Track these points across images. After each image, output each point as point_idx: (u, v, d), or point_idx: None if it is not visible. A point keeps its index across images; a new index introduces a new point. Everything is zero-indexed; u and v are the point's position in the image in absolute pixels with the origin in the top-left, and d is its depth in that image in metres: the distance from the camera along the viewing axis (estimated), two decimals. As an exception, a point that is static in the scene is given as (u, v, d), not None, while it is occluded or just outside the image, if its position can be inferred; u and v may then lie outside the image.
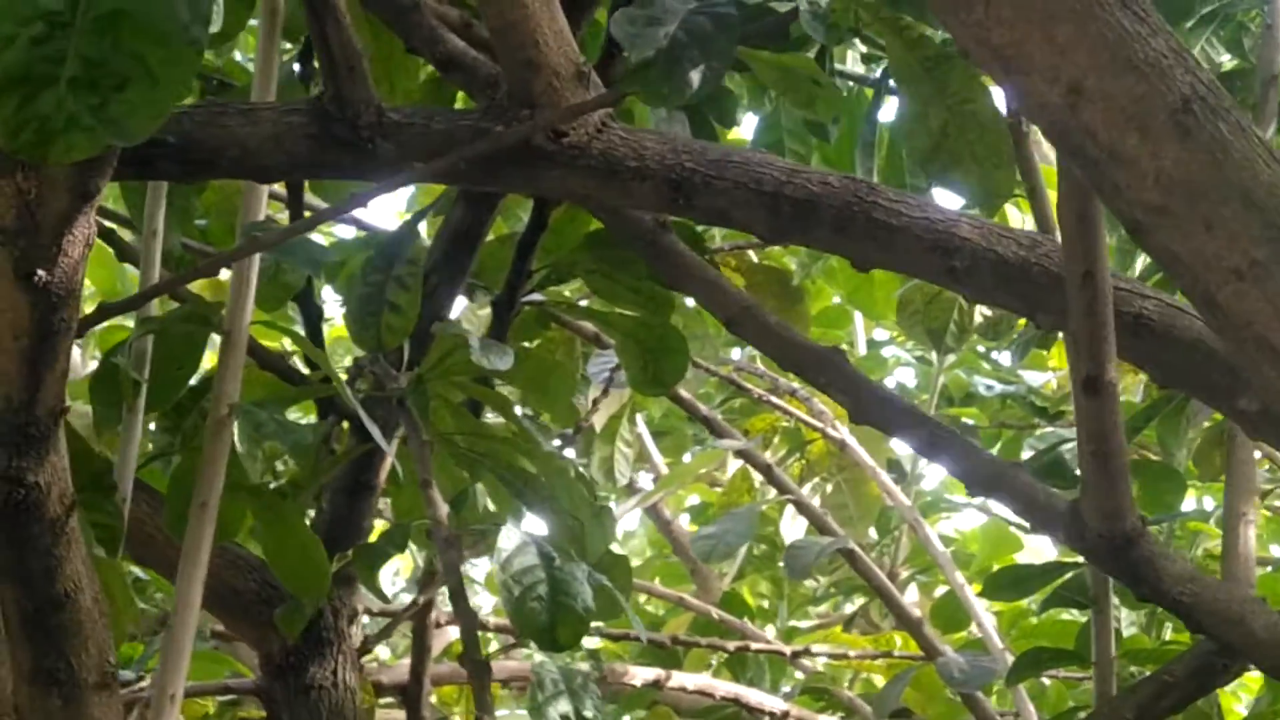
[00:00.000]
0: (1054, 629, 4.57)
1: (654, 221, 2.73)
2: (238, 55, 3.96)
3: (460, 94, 3.03)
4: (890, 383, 6.25)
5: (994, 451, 5.56)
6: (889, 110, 3.13)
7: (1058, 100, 1.69)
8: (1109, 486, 2.45)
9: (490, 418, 3.22)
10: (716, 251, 4.02)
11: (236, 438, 2.80)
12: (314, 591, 2.92)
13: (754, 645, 5.02)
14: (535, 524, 2.87)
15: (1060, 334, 3.10)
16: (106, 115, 1.70)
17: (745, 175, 2.47)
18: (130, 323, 3.02)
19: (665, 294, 3.00)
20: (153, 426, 2.99)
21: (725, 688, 4.86)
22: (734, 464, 5.51)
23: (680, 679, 4.85)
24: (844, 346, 6.06)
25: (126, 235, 3.56)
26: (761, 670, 5.06)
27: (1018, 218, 4.63)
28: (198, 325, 2.82)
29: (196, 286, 3.59)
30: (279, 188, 3.38)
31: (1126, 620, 4.25)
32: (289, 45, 3.30)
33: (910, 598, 5.48)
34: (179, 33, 1.71)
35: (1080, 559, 3.43)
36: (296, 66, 3.23)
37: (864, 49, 3.64)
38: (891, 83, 3.05)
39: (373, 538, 3.25)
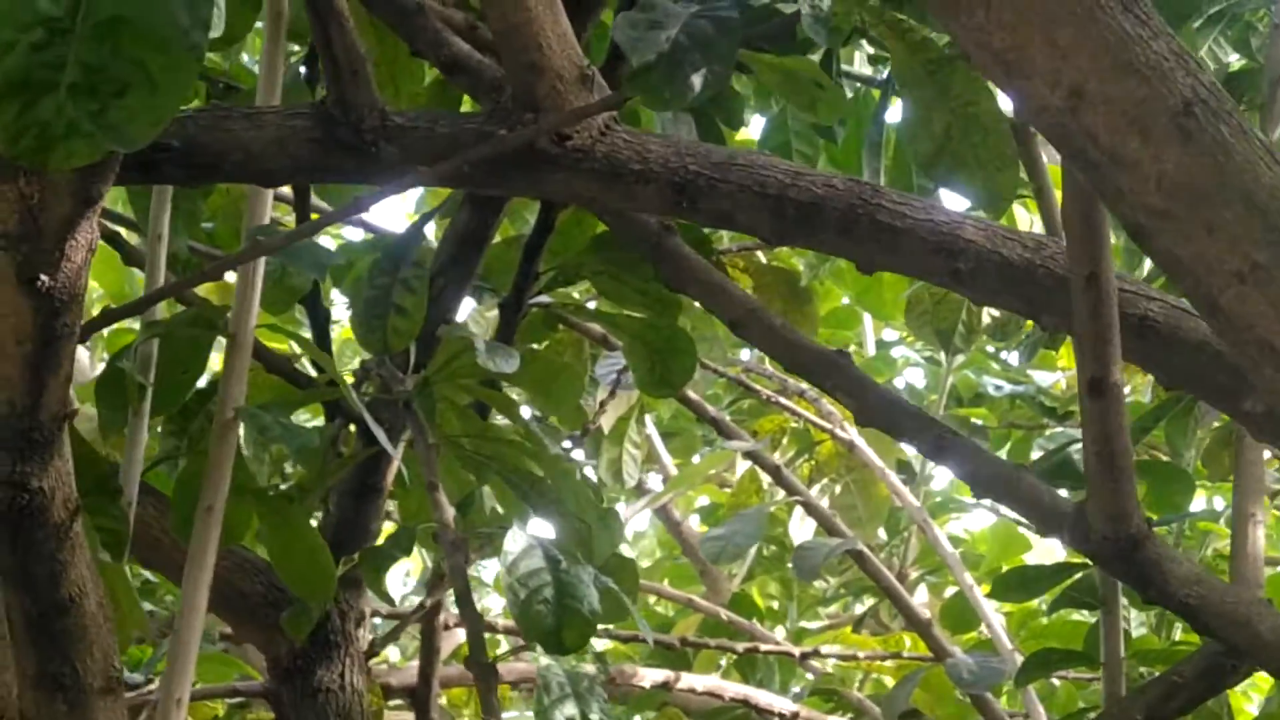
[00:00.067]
0: (1064, 630, 4.57)
1: (658, 224, 2.72)
2: (245, 58, 3.96)
3: (466, 97, 3.03)
4: (900, 383, 6.25)
5: (1004, 451, 5.56)
6: (897, 112, 3.13)
7: (1059, 104, 1.69)
8: (1114, 489, 2.44)
9: (498, 420, 3.22)
10: (724, 253, 4.01)
11: (243, 441, 2.81)
12: (320, 595, 2.92)
13: (763, 646, 5.02)
14: (542, 527, 2.87)
15: (1069, 335, 3.09)
16: (106, 121, 1.70)
17: (749, 178, 2.47)
18: (138, 326, 3.02)
19: (673, 296, 3.00)
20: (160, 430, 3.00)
21: (734, 689, 4.86)
22: (743, 465, 5.50)
23: (689, 680, 4.85)
24: (853, 347, 6.09)
25: (133, 239, 3.56)
26: (771, 671, 5.06)
27: (1026, 219, 4.63)
28: (203, 329, 2.83)
29: (203, 290, 3.59)
30: (286, 190, 3.38)
31: (1136, 621, 4.25)
32: (296, 48, 3.30)
33: (920, 598, 5.47)
34: (179, 39, 1.70)
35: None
36: (303, 69, 3.23)
37: (871, 50, 3.64)
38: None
39: (380, 540, 3.25)
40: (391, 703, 4.34)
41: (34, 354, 2.03)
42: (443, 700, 5.05)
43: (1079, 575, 3.61)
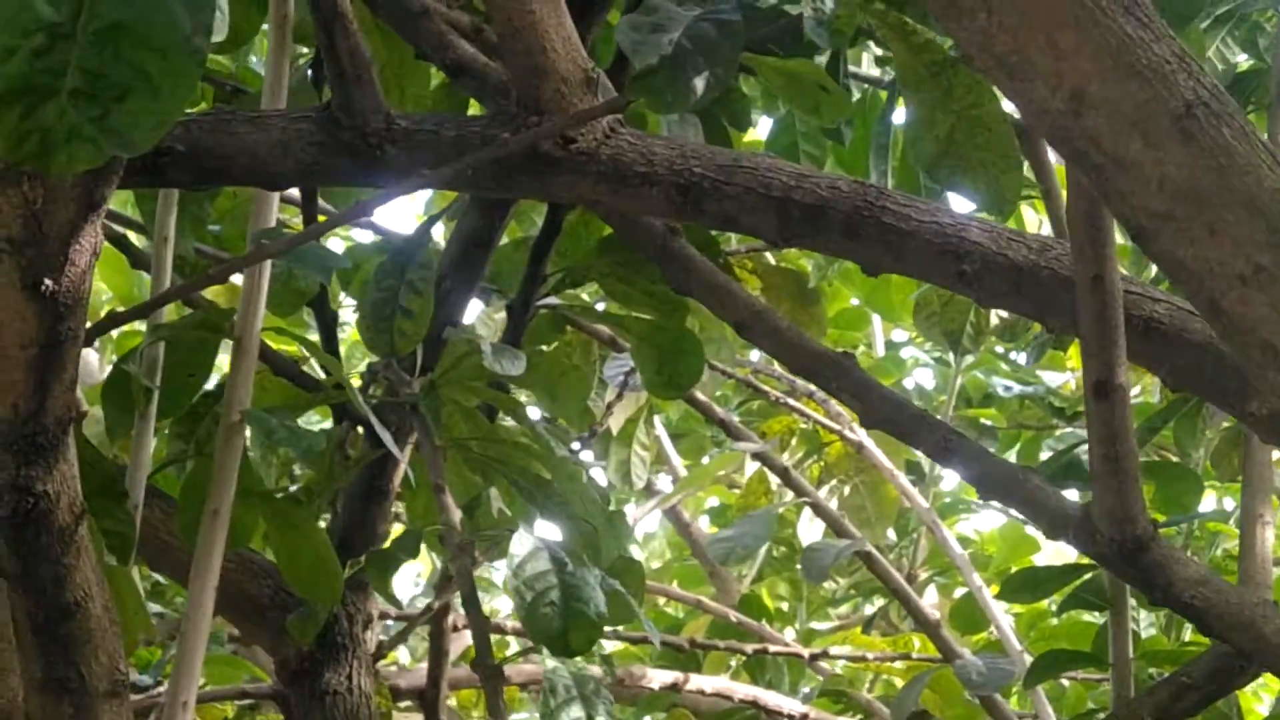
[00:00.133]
0: (1073, 630, 4.57)
1: (664, 227, 2.72)
2: (253, 60, 3.96)
3: (472, 100, 3.03)
4: (909, 384, 6.25)
5: (1013, 452, 5.56)
6: (905, 114, 3.12)
7: (1061, 106, 1.69)
8: (1120, 491, 2.44)
9: (507, 422, 3.22)
10: (733, 254, 4.01)
11: (250, 444, 2.81)
12: (326, 597, 2.92)
13: (772, 648, 5.02)
14: (549, 529, 2.87)
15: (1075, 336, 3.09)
16: (108, 126, 1.70)
17: (754, 180, 2.47)
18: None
19: (680, 297, 3.00)
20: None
21: (744, 690, 4.86)
22: (751, 466, 5.50)
23: (699, 681, 4.85)
24: (862, 348, 6.08)
25: (140, 242, 3.56)
26: (780, 672, 5.05)
27: (1034, 220, 4.63)
28: (209, 332, 2.83)
29: (211, 293, 3.59)
30: (294, 193, 3.38)
31: (1146, 621, 4.25)
32: (305, 50, 3.30)
33: (929, 599, 5.47)
34: (180, 44, 1.71)
35: (1097, 561, 3.42)
36: (310, 72, 3.23)
37: (879, 51, 3.63)
38: (903, 86, 3.05)
39: (389, 543, 3.25)
40: (401, 704, 4.34)
41: (38, 358, 2.02)
42: (452, 702, 5.06)
43: (1088, 576, 3.61)
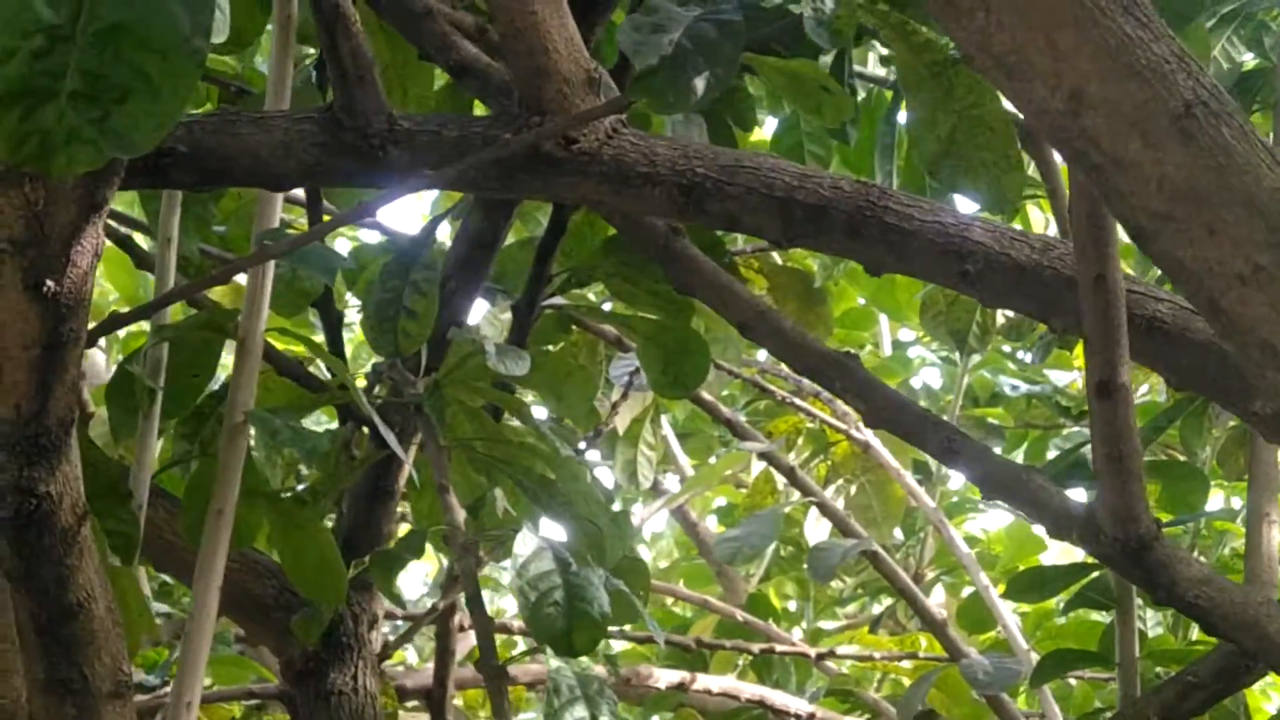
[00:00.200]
0: (1080, 630, 4.57)
1: (667, 227, 2.72)
2: (259, 60, 3.96)
3: (476, 101, 3.03)
4: (916, 383, 6.24)
5: (1020, 451, 5.56)
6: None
7: (1060, 106, 1.68)
8: (1123, 490, 2.44)
9: (512, 422, 3.22)
10: (738, 254, 4.01)
11: (254, 444, 2.81)
12: (331, 597, 2.92)
13: (779, 647, 5.02)
14: (553, 529, 2.87)
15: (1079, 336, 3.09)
16: (108, 128, 1.70)
17: (756, 180, 2.47)
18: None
19: (685, 297, 3.00)
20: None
21: (751, 690, 4.86)
22: (758, 466, 5.50)
23: (706, 681, 4.85)
24: (869, 347, 6.07)
25: (145, 242, 3.56)
26: (787, 672, 5.05)
27: (1040, 220, 4.63)
28: (213, 332, 2.83)
29: (216, 293, 3.60)
30: (299, 193, 3.39)
31: (1152, 620, 4.25)
32: (311, 50, 3.30)
33: (936, 599, 5.47)
34: (180, 45, 1.70)
35: (1103, 560, 3.42)
36: (314, 73, 3.24)
37: (884, 51, 3.63)
38: (907, 86, 3.05)
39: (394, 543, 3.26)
40: (407, 704, 4.35)
41: (40, 359, 2.02)
42: (458, 702, 5.06)
43: (1094, 575, 3.61)
